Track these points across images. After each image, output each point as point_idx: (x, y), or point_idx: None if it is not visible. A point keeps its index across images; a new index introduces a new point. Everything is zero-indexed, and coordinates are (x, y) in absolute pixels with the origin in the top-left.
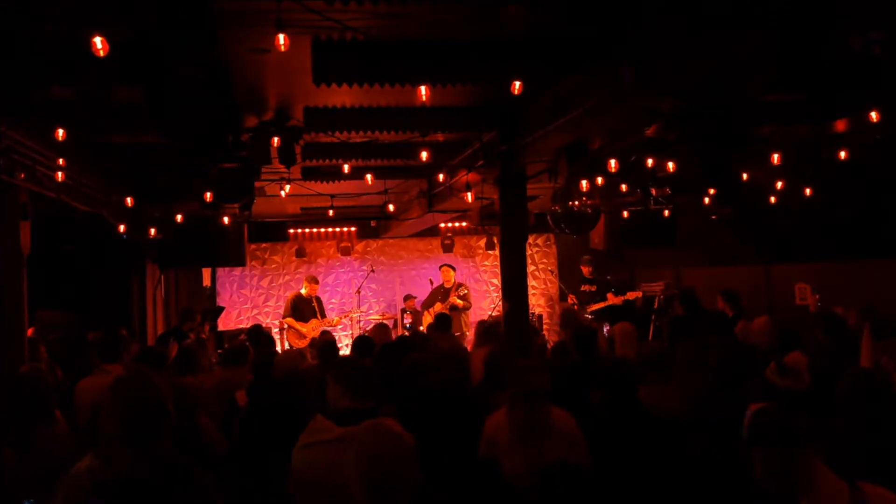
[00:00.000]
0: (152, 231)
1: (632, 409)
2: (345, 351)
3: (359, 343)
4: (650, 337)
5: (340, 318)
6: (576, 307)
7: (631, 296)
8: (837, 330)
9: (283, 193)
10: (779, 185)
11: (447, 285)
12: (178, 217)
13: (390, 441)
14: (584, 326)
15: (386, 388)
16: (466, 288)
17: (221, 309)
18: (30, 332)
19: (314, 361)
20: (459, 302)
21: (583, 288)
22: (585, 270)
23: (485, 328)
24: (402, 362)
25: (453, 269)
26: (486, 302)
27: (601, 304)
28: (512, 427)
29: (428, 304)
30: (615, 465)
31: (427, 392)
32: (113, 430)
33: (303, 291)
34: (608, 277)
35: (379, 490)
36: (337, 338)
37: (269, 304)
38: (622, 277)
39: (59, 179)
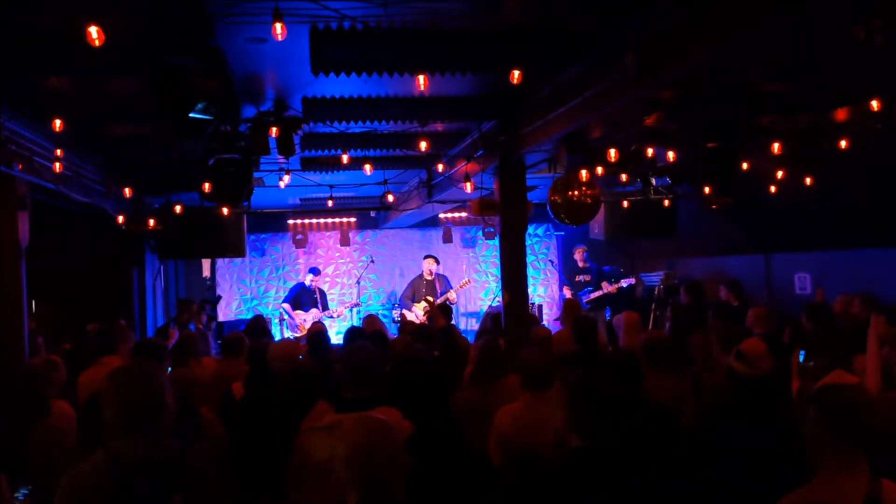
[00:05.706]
0: (151, 222)
1: (636, 398)
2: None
3: (349, 333)
4: (650, 326)
5: (341, 310)
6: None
7: (625, 283)
8: (822, 317)
9: (281, 184)
10: (779, 174)
11: (428, 277)
12: (178, 208)
13: (377, 433)
14: (583, 317)
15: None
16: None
17: (218, 298)
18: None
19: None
20: (453, 297)
21: (577, 278)
22: (578, 259)
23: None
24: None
25: (437, 260)
26: (486, 292)
27: (597, 294)
28: None
29: (411, 296)
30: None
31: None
32: (113, 422)
33: (306, 282)
34: (602, 266)
35: (369, 481)
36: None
37: (268, 294)
38: (623, 267)
39: (57, 170)
